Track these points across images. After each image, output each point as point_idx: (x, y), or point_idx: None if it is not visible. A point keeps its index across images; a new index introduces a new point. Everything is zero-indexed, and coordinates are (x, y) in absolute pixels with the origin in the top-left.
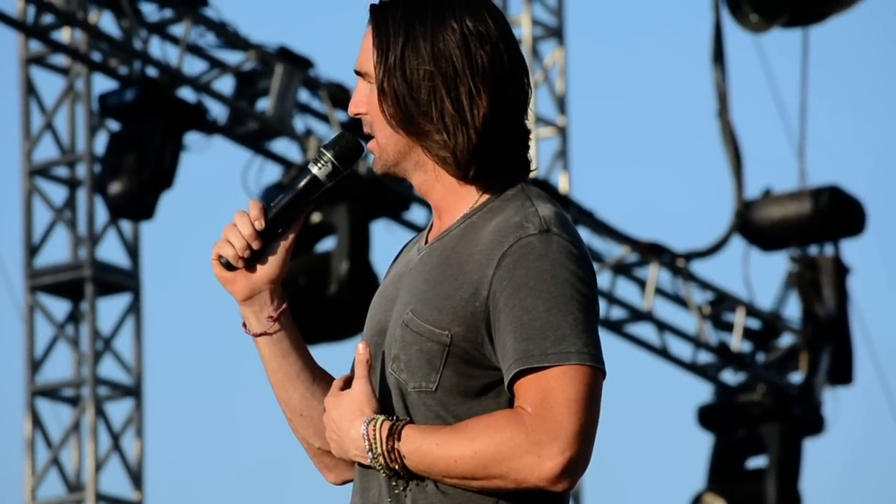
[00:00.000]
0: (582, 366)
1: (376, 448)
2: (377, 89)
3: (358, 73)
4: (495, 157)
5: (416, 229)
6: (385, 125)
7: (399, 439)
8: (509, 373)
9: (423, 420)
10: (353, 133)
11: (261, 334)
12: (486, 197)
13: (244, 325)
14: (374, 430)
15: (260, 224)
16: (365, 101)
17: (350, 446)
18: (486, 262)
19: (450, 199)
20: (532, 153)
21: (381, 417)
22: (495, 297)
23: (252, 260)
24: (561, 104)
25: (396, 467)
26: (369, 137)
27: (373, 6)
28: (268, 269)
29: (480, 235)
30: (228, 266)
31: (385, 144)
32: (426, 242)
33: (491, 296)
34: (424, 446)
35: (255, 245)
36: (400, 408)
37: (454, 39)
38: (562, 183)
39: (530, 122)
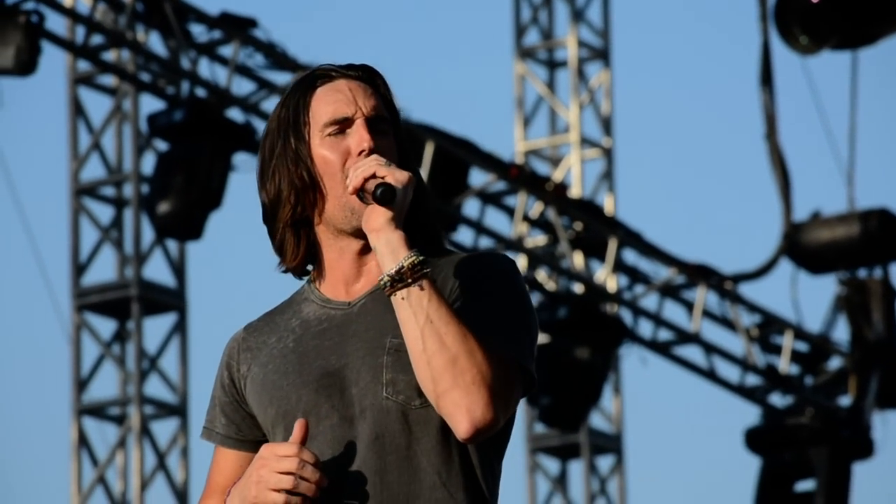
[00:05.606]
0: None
1: (408, 262)
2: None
3: (378, 117)
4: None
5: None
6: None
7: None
8: None
9: (432, 433)
10: None
11: None
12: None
13: None
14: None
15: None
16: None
17: (384, 233)
18: (457, 275)
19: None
20: (577, 174)
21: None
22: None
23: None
24: (606, 125)
25: (410, 281)
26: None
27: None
28: None
29: (443, 270)
30: None
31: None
32: (322, 304)
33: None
34: (441, 298)
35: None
36: (399, 429)
37: None
38: (607, 204)
39: (575, 143)
